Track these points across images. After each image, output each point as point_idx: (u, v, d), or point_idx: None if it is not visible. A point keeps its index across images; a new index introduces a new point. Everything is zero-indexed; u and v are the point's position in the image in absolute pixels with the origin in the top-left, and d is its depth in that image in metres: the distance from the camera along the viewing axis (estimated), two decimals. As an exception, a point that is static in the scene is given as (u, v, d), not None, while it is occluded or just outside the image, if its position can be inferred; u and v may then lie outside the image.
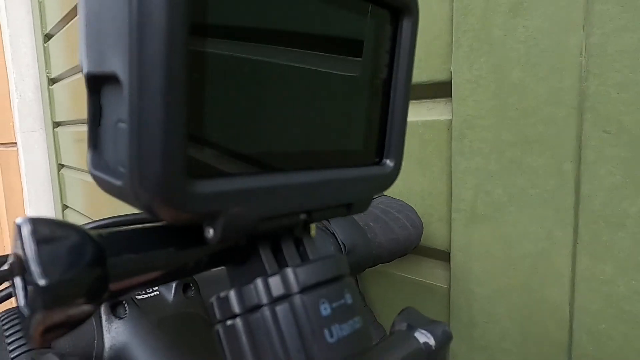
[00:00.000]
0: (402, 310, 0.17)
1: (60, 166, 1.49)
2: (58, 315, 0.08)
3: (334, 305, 0.11)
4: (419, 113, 0.42)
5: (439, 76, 0.40)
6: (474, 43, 0.36)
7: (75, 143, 1.35)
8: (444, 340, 0.16)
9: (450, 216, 0.40)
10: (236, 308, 0.11)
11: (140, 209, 0.09)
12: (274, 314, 0.11)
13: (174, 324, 0.20)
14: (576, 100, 0.30)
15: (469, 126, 0.37)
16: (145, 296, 0.21)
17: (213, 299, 0.11)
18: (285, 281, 0.11)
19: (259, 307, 0.11)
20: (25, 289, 0.09)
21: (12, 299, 0.23)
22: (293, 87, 0.11)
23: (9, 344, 0.17)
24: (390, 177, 0.14)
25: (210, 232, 0.10)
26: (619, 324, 0.30)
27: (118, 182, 0.09)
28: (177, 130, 0.08)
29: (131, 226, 0.10)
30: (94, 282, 0.09)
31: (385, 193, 0.44)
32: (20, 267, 0.09)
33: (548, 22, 0.31)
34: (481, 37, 0.35)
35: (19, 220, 0.08)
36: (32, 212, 1.53)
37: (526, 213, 0.34)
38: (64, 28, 1.28)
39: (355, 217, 0.31)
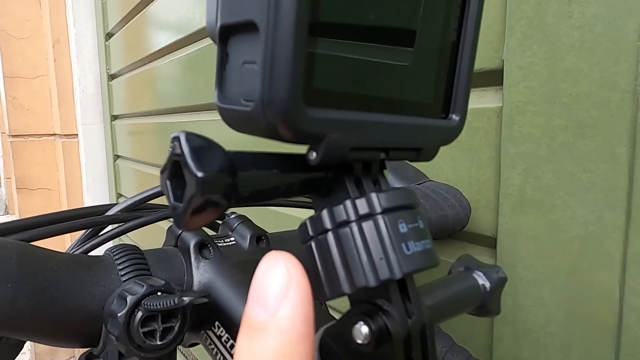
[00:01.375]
0: (460, 257, 0.19)
1: (116, 157, 1.59)
2: (205, 202, 0.11)
3: (410, 226, 0.13)
4: (468, 101, 0.43)
5: (491, 64, 0.40)
6: (528, 30, 0.36)
7: (130, 135, 1.44)
8: (499, 282, 0.18)
9: (498, 202, 0.40)
10: (328, 224, 0.13)
11: (264, 131, 0.11)
12: (360, 228, 0.13)
13: (249, 266, 0.23)
14: (632, 84, 0.31)
15: (519, 112, 0.38)
16: (225, 244, 0.24)
17: (305, 221, 0.14)
18: (370, 203, 0.13)
19: (347, 222, 0.13)
20: (174, 188, 0.11)
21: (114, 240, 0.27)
22: (384, 46, 0.13)
23: (120, 270, 0.21)
24: (455, 130, 0.16)
25: (313, 155, 0.12)
26: (671, 307, 0.30)
27: (246, 109, 0.11)
28: (300, 66, 0.11)
29: (251, 151, 0.13)
30: (229, 185, 0.11)
31: (432, 179, 0.46)
32: (173, 170, 0.11)
33: (605, 8, 0.32)
34: (535, 24, 0.36)
35: (176, 133, 0.11)
36: (89, 199, 1.64)
37: (576, 197, 0.35)
38: (124, 27, 1.36)
39: (407, 193, 0.33)
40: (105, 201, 1.66)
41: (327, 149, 0.12)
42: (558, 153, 0.35)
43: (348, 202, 0.13)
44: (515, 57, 0.37)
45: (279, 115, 0.11)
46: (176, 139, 0.11)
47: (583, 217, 0.34)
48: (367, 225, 0.13)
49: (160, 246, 0.26)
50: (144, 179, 1.34)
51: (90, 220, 0.24)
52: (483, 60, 0.41)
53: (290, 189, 0.13)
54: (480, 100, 0.43)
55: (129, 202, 0.26)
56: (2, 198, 4.50)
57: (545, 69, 0.36)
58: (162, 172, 0.12)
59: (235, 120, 0.12)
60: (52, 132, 1.80)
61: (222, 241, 0.24)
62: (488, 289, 0.17)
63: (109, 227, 0.25)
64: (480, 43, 0.44)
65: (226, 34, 0.12)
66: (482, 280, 0.17)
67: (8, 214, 4.02)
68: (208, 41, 0.88)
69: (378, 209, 0.13)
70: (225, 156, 0.11)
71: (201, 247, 0.23)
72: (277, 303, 0.12)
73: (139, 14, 1.22)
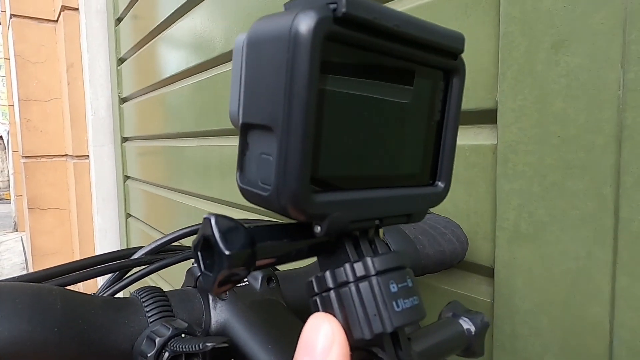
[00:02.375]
0: (449, 303, 0.21)
1: (126, 178, 1.63)
2: (230, 274, 0.13)
3: (400, 285, 0.15)
4: (466, 137, 0.46)
5: (485, 104, 0.43)
6: (519, 76, 0.39)
7: (140, 157, 1.48)
8: (482, 327, 0.20)
9: (495, 234, 0.42)
10: (330, 284, 0.15)
11: (278, 211, 0.14)
12: (357, 289, 0.15)
13: (261, 306, 0.25)
14: (615, 129, 0.33)
15: (513, 151, 0.40)
16: (239, 285, 0.26)
17: (311, 279, 0.16)
18: (365, 266, 0.15)
19: (347, 283, 0.15)
20: (204, 258, 0.14)
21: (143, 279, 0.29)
22: (378, 131, 0.16)
23: (147, 312, 0.23)
24: (441, 195, 0.18)
25: (318, 229, 0.15)
26: (658, 340, 0.32)
27: (265, 194, 0.14)
28: (307, 162, 0.13)
29: (265, 223, 0.15)
30: (249, 256, 0.14)
31: (433, 211, 0.48)
32: (204, 244, 0.14)
33: (588, 59, 0.34)
34: (525, 71, 0.38)
35: (207, 215, 0.14)
36: (99, 220, 1.67)
37: (567, 233, 0.37)
38: (136, 53, 1.41)
39: (406, 230, 0.35)
40: (115, 221, 1.69)
41: (330, 225, 0.14)
42: (549, 191, 0.38)
43: (347, 266, 0.15)
44: (508, 100, 0.40)
45: (289, 202, 0.13)
46: (207, 220, 0.13)
47: (574, 252, 0.36)
48: (364, 286, 0.15)
49: (180, 277, 0.28)
50: (153, 199, 1.37)
51: (118, 264, 0.27)
52: (479, 100, 0.44)
53: (299, 253, 0.16)
54: (477, 137, 0.45)
55: (153, 246, 0.29)
56: (11, 215, 4.55)
57: (535, 112, 0.38)
58: (193, 244, 0.14)
59: (254, 200, 0.15)
60: (64, 153, 1.85)
61: (236, 282, 0.26)
62: (473, 333, 0.19)
63: (135, 269, 0.28)
64: (476, 85, 0.47)
65: (247, 129, 0.15)
66: (467, 325, 0.20)
67: (17, 231, 4.07)
68: (218, 70, 0.92)
69: (372, 272, 0.15)
70: (247, 233, 0.14)
71: (218, 289, 0.25)
72: (324, 355, 0.14)
73: (151, 41, 1.27)
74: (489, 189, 0.43)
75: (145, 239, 1.44)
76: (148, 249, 0.28)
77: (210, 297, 0.25)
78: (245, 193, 0.15)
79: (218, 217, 0.13)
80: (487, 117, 0.43)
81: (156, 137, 1.32)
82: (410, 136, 0.17)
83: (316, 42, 0.12)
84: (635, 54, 0.31)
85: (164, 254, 0.29)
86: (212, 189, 0.97)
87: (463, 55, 0.19)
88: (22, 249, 3.45)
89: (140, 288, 0.24)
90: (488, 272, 0.44)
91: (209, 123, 0.97)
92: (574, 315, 0.37)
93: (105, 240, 1.65)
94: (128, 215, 1.62)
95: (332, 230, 0.15)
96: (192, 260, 0.28)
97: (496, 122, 0.42)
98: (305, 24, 0.12)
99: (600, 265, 0.35)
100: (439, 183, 0.18)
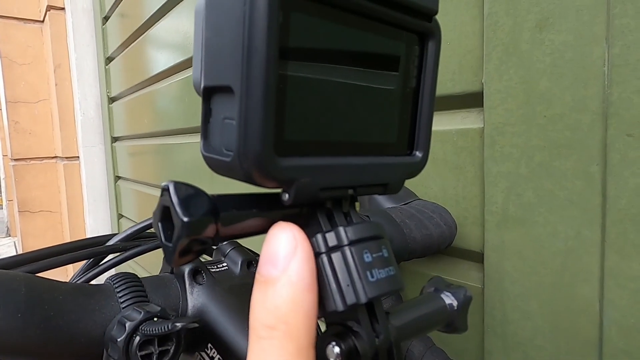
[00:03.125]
0: (431, 278, 0.21)
1: (117, 178, 1.61)
2: (191, 244, 0.12)
3: (374, 255, 0.15)
4: (453, 122, 0.45)
5: (472, 87, 0.43)
6: (504, 56, 0.38)
7: (130, 157, 1.46)
8: (465, 302, 0.19)
9: (484, 218, 0.42)
10: (302, 256, 0.15)
11: (242, 178, 0.13)
12: (330, 259, 0.14)
13: (241, 291, 0.25)
14: (600, 107, 0.33)
15: (499, 133, 0.40)
16: (218, 269, 0.26)
17: (284, 251, 0.15)
18: (338, 236, 0.15)
19: (319, 254, 0.15)
20: (165, 229, 0.13)
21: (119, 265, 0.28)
22: (348, 95, 0.15)
23: (120, 297, 0.22)
24: (419, 165, 0.17)
25: (285, 196, 0.14)
26: (648, 318, 0.31)
27: (227, 160, 0.13)
28: (269, 123, 0.12)
29: (233, 193, 0.14)
30: (211, 225, 0.13)
31: (421, 197, 0.47)
32: (163, 214, 0.13)
33: (572, 36, 0.34)
34: (510, 51, 0.38)
35: (165, 183, 0.13)
36: (90, 221, 1.65)
37: (555, 214, 0.36)
38: (124, 52, 1.40)
39: (393, 215, 0.35)
40: (107, 222, 1.68)
41: (298, 191, 0.14)
42: (537, 172, 0.37)
43: (319, 236, 0.15)
44: (494, 81, 0.40)
45: (253, 166, 0.12)
46: (166, 188, 0.13)
47: (563, 233, 0.36)
48: (336, 256, 0.14)
49: (160, 265, 0.27)
50: (144, 199, 1.36)
51: (91, 250, 0.26)
52: (465, 84, 0.43)
53: (269, 225, 0.15)
54: (464, 121, 0.45)
55: (128, 232, 0.28)
56: (3, 220, 4.51)
57: (521, 92, 0.38)
58: (154, 215, 0.13)
59: (218, 168, 0.14)
60: (53, 155, 1.82)
61: (215, 267, 0.26)
62: (456, 308, 0.19)
63: (110, 256, 0.27)
64: (462, 68, 0.47)
65: (209, 93, 0.14)
66: (449, 300, 0.19)
67: (10, 236, 4.03)
68: (205, 65, 0.91)
69: (345, 241, 0.15)
70: (209, 201, 0.13)
71: (195, 273, 0.25)
72: (287, 261, 0.14)
73: (138, 39, 1.26)
74: (477, 173, 0.43)
75: (138, 239, 1.42)
76: (123, 235, 0.27)
77: (187, 282, 0.24)
78: (209, 161, 0.14)
79: (177, 183, 0.13)
80: (473, 100, 0.43)
81: (146, 136, 1.30)
82: (384, 103, 0.16)
83: (274, -9, 0.12)
84: (619, 28, 0.31)
85: (139, 240, 0.28)
86: (203, 186, 0.96)
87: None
88: (15, 254, 3.41)
89: (113, 274, 0.24)
90: (478, 258, 0.44)
91: (197, 120, 0.96)
92: (564, 296, 0.36)
93: (98, 241, 1.63)
94: (120, 216, 1.61)
95: (301, 197, 0.14)
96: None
97: (483, 105, 0.41)
98: (262, -28, 0.12)
99: (589, 244, 0.34)
100: (417, 153, 0.17)
